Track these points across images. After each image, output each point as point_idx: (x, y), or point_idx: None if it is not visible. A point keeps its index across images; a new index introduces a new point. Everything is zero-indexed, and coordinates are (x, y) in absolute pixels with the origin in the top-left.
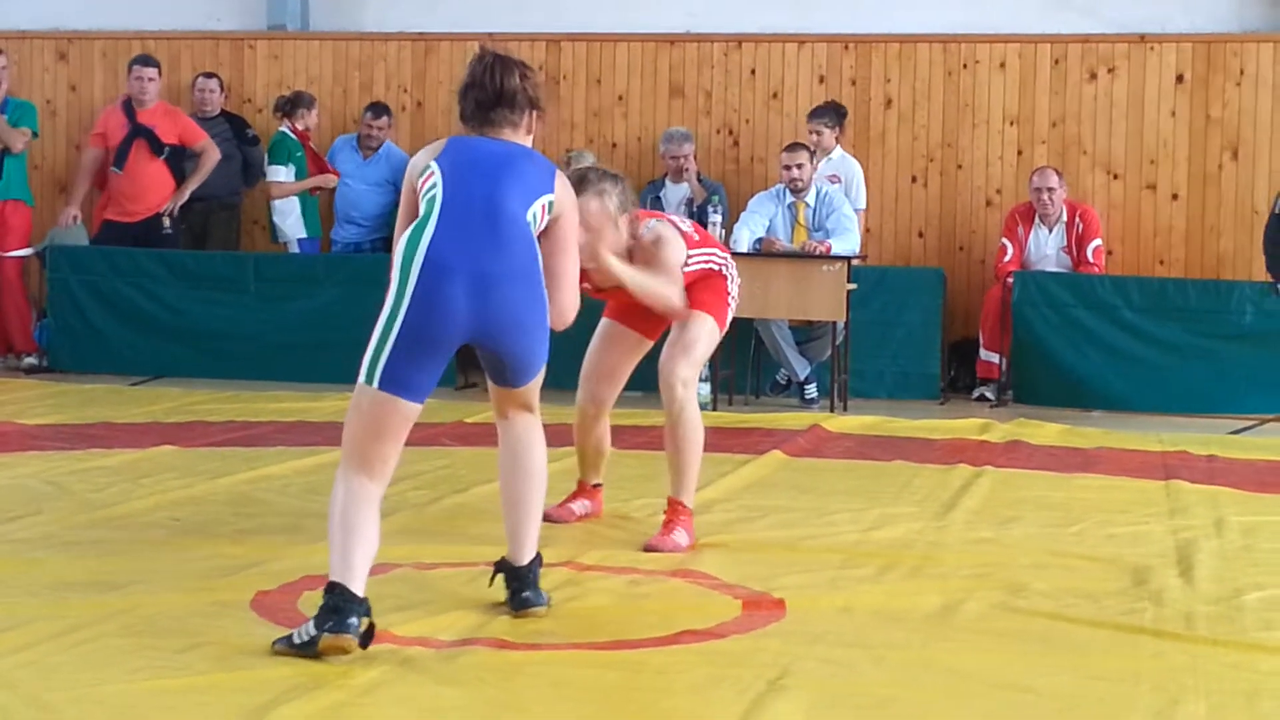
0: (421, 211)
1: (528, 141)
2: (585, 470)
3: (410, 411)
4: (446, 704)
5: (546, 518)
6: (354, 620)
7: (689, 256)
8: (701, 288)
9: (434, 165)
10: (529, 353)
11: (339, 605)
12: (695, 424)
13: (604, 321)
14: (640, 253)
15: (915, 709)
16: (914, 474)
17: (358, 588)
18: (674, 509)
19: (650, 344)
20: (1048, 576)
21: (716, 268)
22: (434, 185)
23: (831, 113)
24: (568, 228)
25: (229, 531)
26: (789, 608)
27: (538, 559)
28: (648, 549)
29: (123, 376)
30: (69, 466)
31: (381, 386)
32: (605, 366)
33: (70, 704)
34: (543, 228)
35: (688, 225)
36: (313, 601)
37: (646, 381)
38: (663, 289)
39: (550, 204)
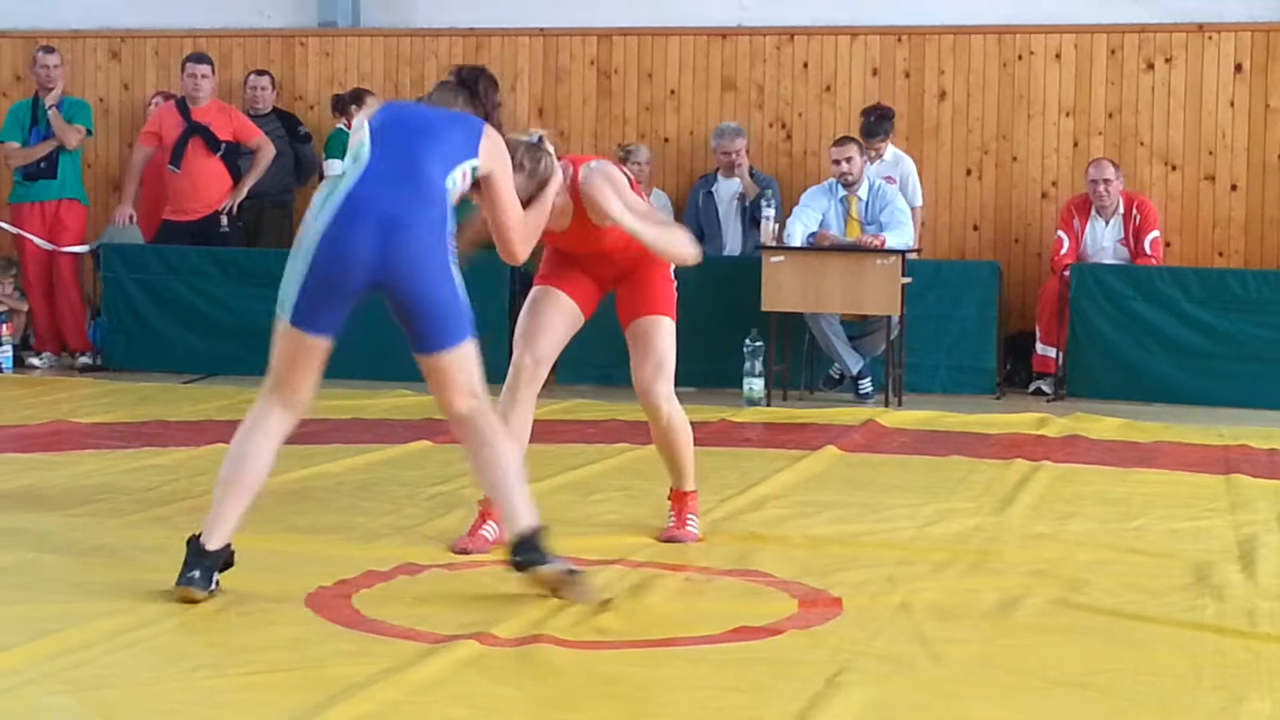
0: (345, 163)
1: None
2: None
3: (310, 343)
4: (502, 702)
5: (454, 549)
6: (195, 573)
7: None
8: (640, 280)
9: (365, 124)
10: (432, 301)
11: (188, 559)
12: (682, 428)
13: (536, 288)
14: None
15: (974, 706)
16: (970, 469)
17: (213, 543)
18: (680, 500)
19: (583, 318)
20: (1107, 572)
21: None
22: (361, 142)
23: (879, 122)
24: (497, 184)
25: (283, 529)
26: (846, 605)
27: (535, 529)
28: (667, 539)
29: (176, 374)
30: (124, 465)
31: (292, 321)
32: (539, 316)
33: (128, 703)
34: (465, 189)
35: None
36: (367, 599)
37: (695, 377)
38: (673, 238)
39: (474, 168)
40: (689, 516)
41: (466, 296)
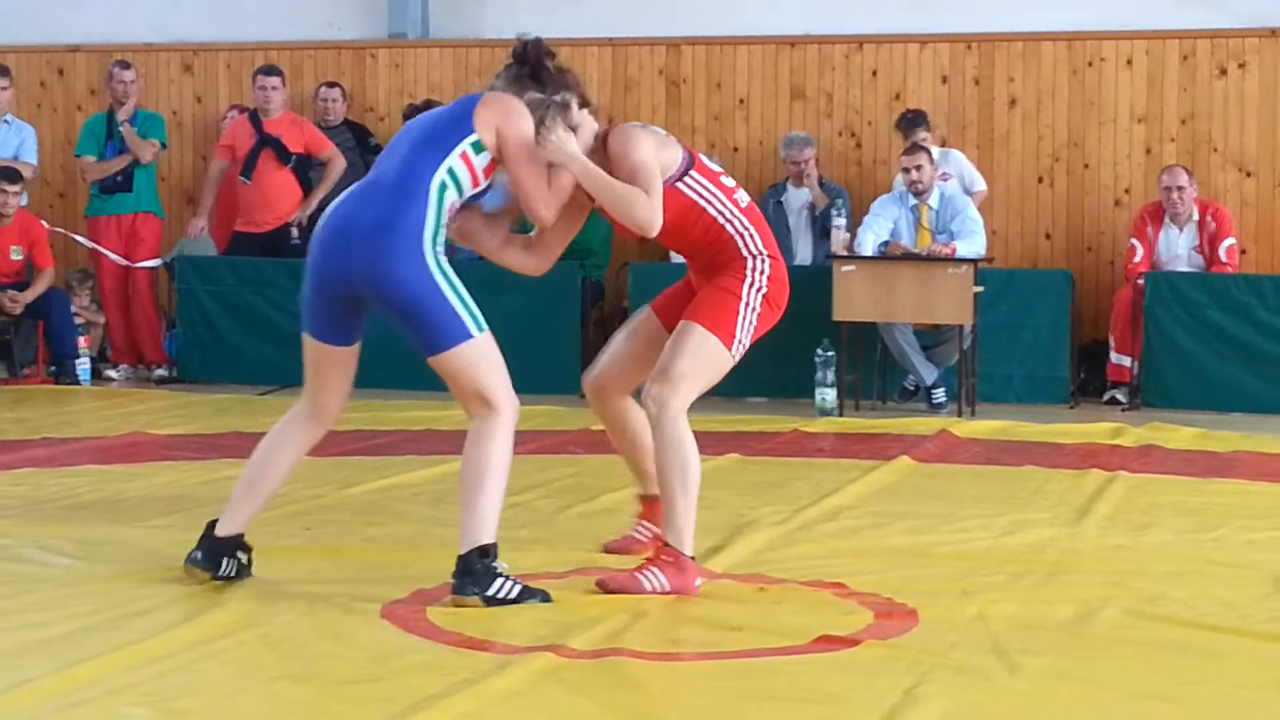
0: None
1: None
2: (634, 478)
3: (324, 351)
4: (580, 713)
5: (607, 550)
6: (198, 554)
7: (690, 177)
8: (709, 283)
9: None
10: (412, 306)
11: (199, 540)
12: (676, 446)
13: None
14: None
15: (1051, 718)
16: (1045, 479)
17: (223, 529)
18: (656, 551)
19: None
20: (1185, 584)
21: (743, 254)
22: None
23: (915, 120)
24: (505, 143)
25: (359, 541)
26: (922, 616)
27: (475, 551)
28: (601, 587)
29: (251, 386)
30: (201, 476)
31: (303, 327)
32: (620, 340)
33: (208, 714)
34: (482, 169)
35: (717, 166)
36: (440, 610)
37: (767, 387)
38: (626, 191)
39: (474, 143)
40: (651, 569)
41: (459, 299)
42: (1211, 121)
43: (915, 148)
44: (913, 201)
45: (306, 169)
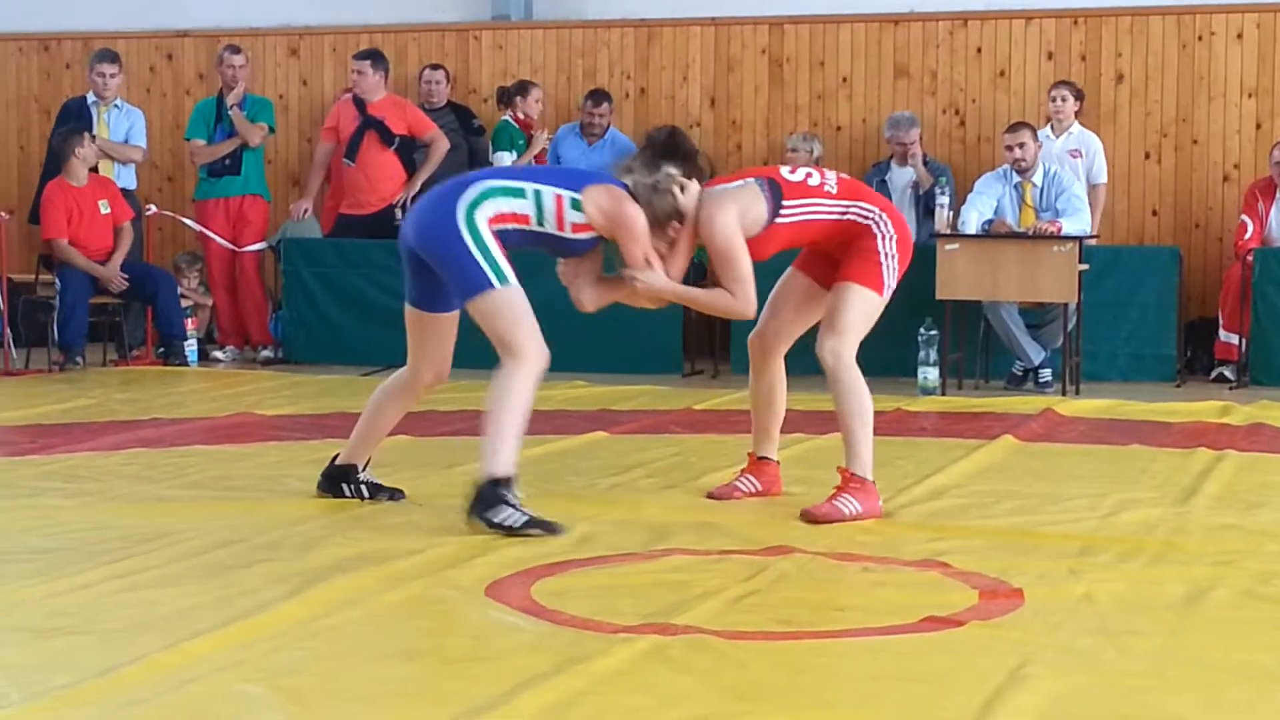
0: None
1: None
2: (755, 437)
3: (415, 316)
4: (685, 691)
5: (710, 496)
6: (321, 479)
7: (785, 207)
8: (848, 253)
9: None
10: (438, 255)
11: (325, 467)
12: (852, 391)
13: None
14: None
15: (1163, 699)
16: (1152, 458)
17: (340, 458)
18: (845, 478)
19: (826, 296)
20: None
21: (863, 221)
22: None
23: (1073, 85)
24: (620, 244)
25: (462, 520)
26: (1027, 596)
27: (488, 481)
28: (805, 516)
29: (355, 366)
30: (307, 456)
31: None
32: (773, 299)
33: (318, 691)
34: (574, 221)
35: (799, 174)
36: (546, 588)
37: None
38: (716, 300)
39: (576, 202)
40: (844, 496)
41: (483, 253)
42: None
43: (1018, 125)
44: (1016, 179)
45: (410, 151)
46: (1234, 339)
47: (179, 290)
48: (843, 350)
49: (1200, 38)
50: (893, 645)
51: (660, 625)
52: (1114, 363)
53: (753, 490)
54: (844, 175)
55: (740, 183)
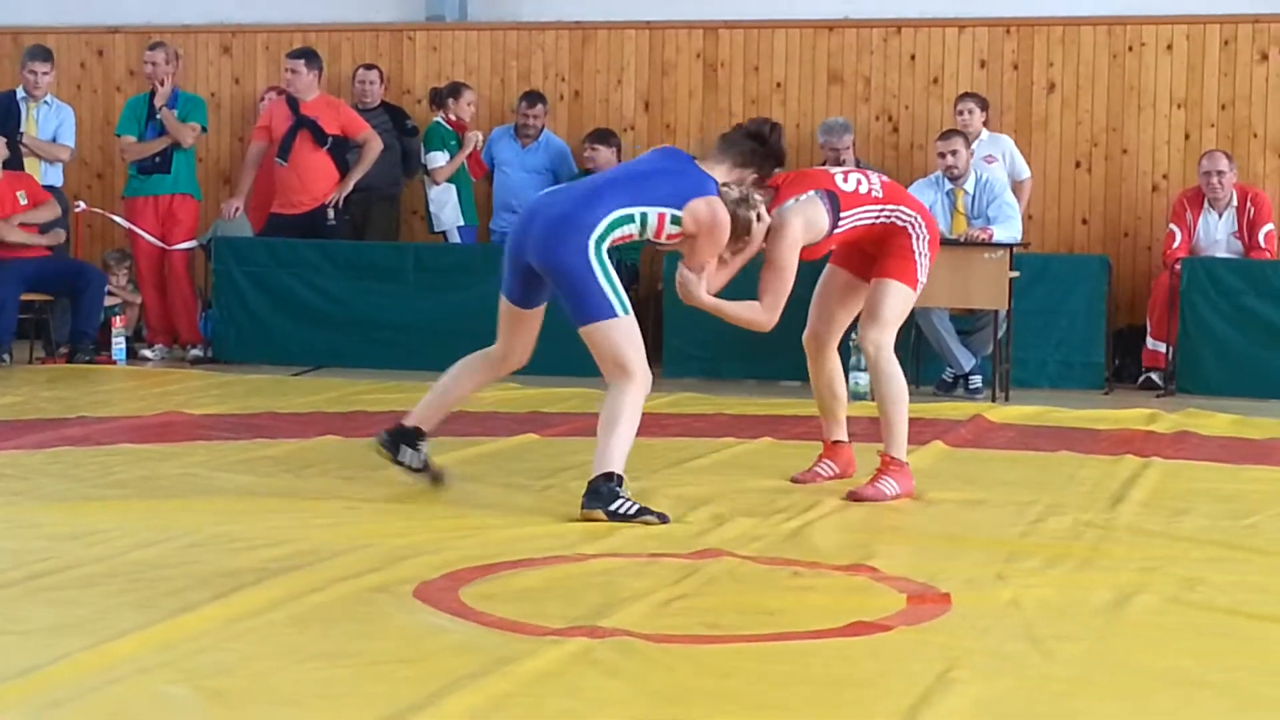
0: None
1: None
2: (823, 423)
3: (509, 309)
4: (613, 695)
5: (794, 480)
6: (385, 435)
7: (842, 218)
8: (885, 251)
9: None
10: (567, 280)
11: (389, 426)
12: (892, 378)
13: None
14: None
15: (1089, 704)
16: (1079, 465)
17: (410, 421)
18: (884, 462)
19: (868, 286)
20: (1221, 570)
21: (901, 224)
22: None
23: (977, 96)
24: (697, 246)
25: (392, 521)
26: (955, 601)
27: (601, 476)
28: (851, 496)
29: (286, 366)
30: (235, 456)
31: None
32: (818, 296)
33: (243, 693)
34: (670, 233)
35: (851, 183)
36: (472, 591)
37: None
38: (743, 312)
39: (675, 218)
40: (884, 478)
41: (609, 284)
42: (1251, 107)
43: (950, 133)
44: (949, 186)
45: (343, 151)
46: (1161, 347)
47: (107, 288)
48: (883, 341)
49: (1131, 48)
50: (821, 649)
51: (588, 628)
52: (1043, 370)
53: (832, 474)
54: (885, 178)
55: (806, 196)
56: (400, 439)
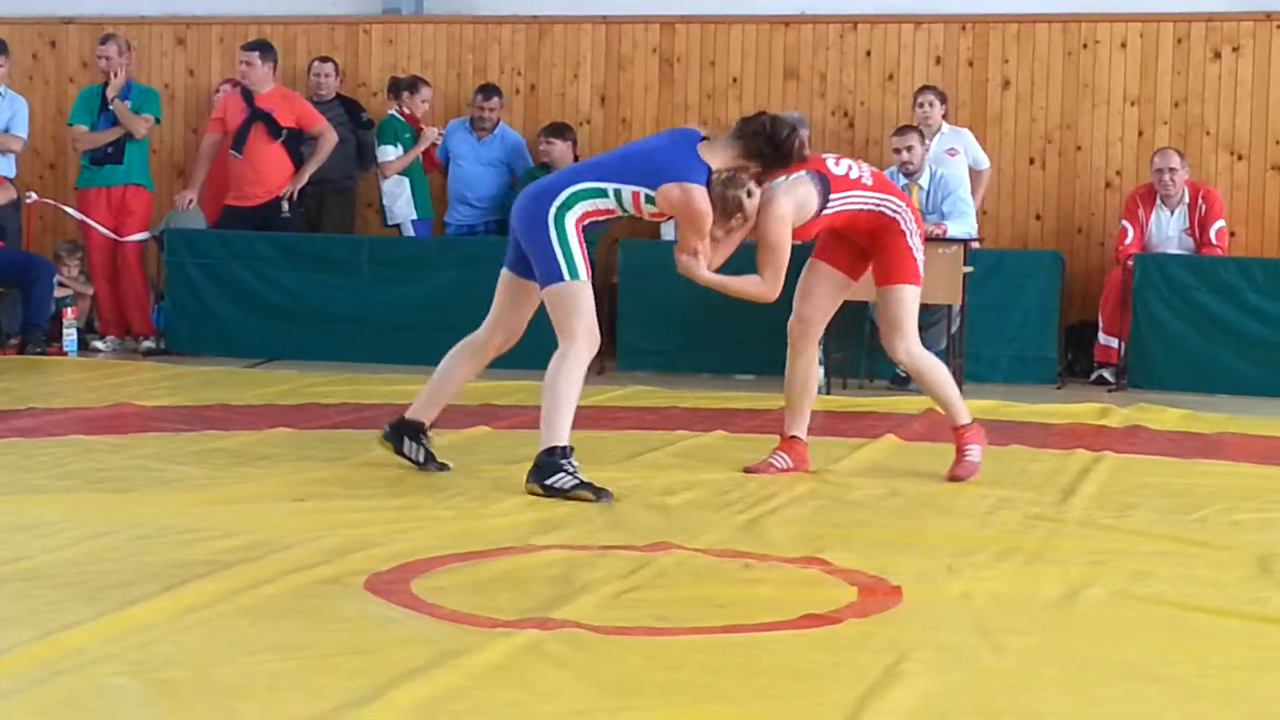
0: None
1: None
2: (787, 416)
3: (507, 276)
4: (562, 687)
5: (747, 470)
6: (387, 428)
7: (831, 199)
8: (882, 253)
9: None
10: (527, 243)
11: (392, 419)
12: (931, 369)
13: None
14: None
15: (1038, 698)
16: (1031, 459)
17: (410, 415)
18: (958, 435)
19: (853, 282)
20: (1170, 564)
21: (890, 214)
22: None
23: (936, 90)
24: (679, 228)
25: (344, 513)
26: (906, 594)
27: (544, 451)
28: (953, 479)
29: (238, 359)
30: (187, 448)
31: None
32: (805, 286)
33: (191, 685)
34: (649, 211)
35: (842, 167)
36: (423, 584)
37: (755, 364)
38: (746, 286)
39: (649, 197)
40: (967, 449)
41: (564, 250)
42: (1204, 105)
43: (906, 128)
44: (903, 181)
45: (298, 143)
46: (1113, 342)
47: (58, 279)
48: (912, 346)
49: (1085, 46)
50: (771, 642)
51: (539, 620)
52: (996, 364)
53: (785, 466)
54: (874, 168)
55: (796, 175)
56: (402, 431)
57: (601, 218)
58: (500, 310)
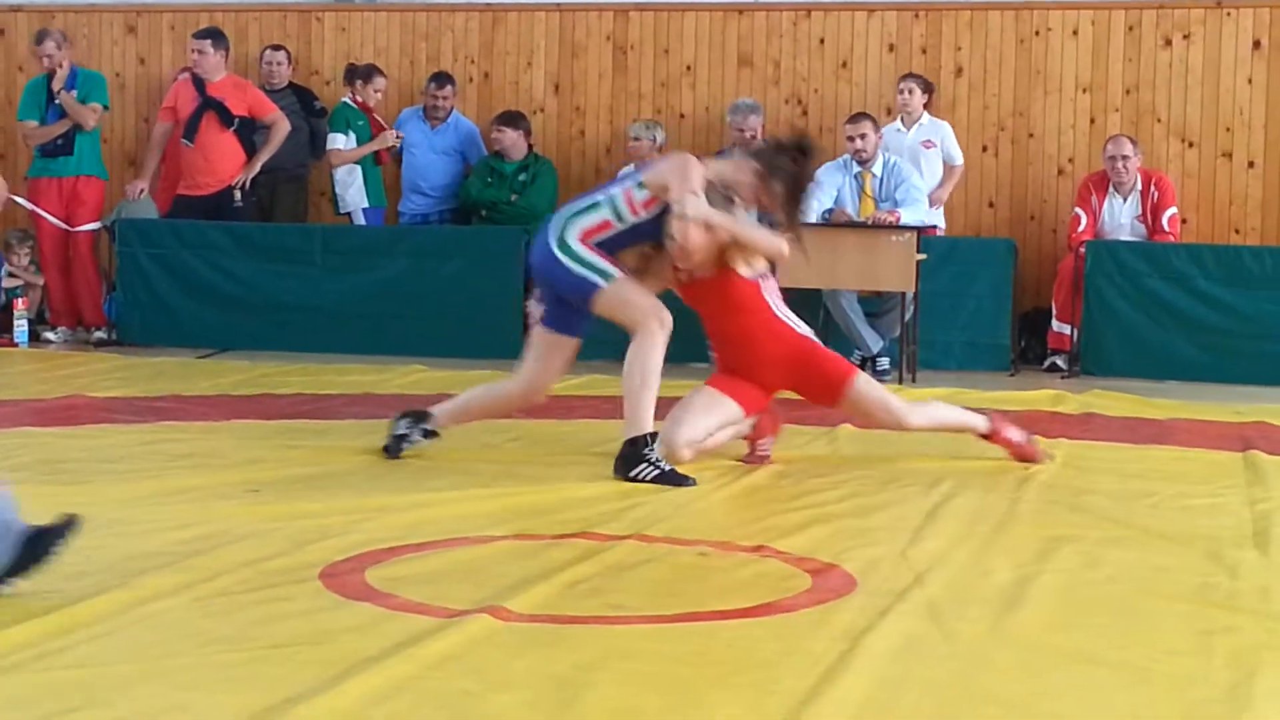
0: None
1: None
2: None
3: (540, 332)
4: (516, 676)
5: (746, 461)
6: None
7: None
8: (813, 370)
9: None
10: (547, 281)
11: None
12: (940, 417)
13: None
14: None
15: (990, 683)
16: (985, 446)
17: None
18: (993, 443)
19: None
20: (1122, 549)
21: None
22: None
23: (920, 78)
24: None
25: (298, 504)
26: (859, 581)
27: (627, 441)
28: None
29: (191, 349)
30: (139, 439)
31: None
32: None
33: (141, 679)
34: (642, 200)
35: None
36: (378, 574)
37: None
38: (752, 232)
39: (639, 184)
40: (1008, 443)
41: (580, 263)
42: (1155, 92)
43: (859, 116)
44: (857, 169)
45: (250, 132)
46: (1066, 329)
47: (8, 269)
48: (912, 414)
49: (1037, 33)
50: (725, 630)
51: (493, 609)
52: (950, 352)
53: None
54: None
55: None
56: (423, 420)
57: (605, 232)
58: (530, 366)
